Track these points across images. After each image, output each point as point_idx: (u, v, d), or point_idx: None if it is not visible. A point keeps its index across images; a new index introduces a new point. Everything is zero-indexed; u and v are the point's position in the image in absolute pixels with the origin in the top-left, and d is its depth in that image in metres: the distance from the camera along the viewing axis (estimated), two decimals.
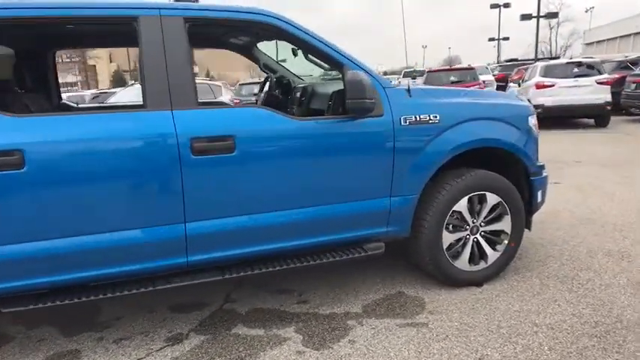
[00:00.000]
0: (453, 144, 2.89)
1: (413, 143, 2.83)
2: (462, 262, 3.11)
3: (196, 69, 31.51)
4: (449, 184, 2.98)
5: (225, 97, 10.08)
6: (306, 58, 3.18)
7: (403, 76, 13.98)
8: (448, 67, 15.03)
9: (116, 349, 2.66)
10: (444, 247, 3.03)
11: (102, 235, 2.37)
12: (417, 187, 2.89)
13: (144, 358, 2.56)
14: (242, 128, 2.50)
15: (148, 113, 2.39)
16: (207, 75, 57.13)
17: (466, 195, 3.01)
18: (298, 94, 3.74)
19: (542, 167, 3.29)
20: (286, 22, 2.66)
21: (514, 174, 3.24)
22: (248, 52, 4.04)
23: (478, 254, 3.17)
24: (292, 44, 2.94)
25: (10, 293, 2.31)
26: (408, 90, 2.87)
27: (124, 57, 52.77)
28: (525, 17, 31.53)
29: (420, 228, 2.98)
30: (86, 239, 2.32)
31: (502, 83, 18.71)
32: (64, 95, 3.99)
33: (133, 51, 52.05)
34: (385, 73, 28.26)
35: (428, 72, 13.27)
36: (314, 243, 2.76)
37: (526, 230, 3.28)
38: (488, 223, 3.15)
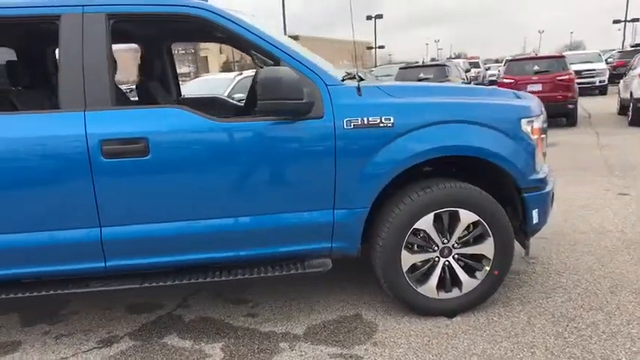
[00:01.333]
0: (408, 152, 2.47)
1: (359, 150, 2.46)
2: (429, 289, 2.67)
3: None
4: (409, 197, 2.56)
5: None
6: (250, 55, 2.90)
7: (504, 65, 12.72)
8: (532, 56, 13.36)
9: (52, 344, 2.70)
10: (404, 269, 2.62)
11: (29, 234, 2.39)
12: (366, 200, 2.52)
13: (69, 357, 2.56)
14: (156, 130, 2.35)
15: (60, 114, 2.34)
16: None
17: (432, 211, 2.56)
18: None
19: (541, 181, 2.70)
20: (214, 13, 2.44)
21: (507, 189, 2.71)
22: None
23: (450, 280, 2.70)
24: (225, 39, 2.69)
25: None
26: (358, 88, 2.50)
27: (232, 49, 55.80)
28: None
29: (375, 246, 2.61)
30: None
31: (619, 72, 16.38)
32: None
33: None
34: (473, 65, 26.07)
35: (509, 61, 11.85)
36: (243, 256, 2.54)
37: (544, 251, 2.72)
38: (464, 244, 2.67)
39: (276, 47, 2.46)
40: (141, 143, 2.33)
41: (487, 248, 2.65)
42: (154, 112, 2.44)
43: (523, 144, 2.61)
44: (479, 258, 2.69)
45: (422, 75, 11.11)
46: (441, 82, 10.67)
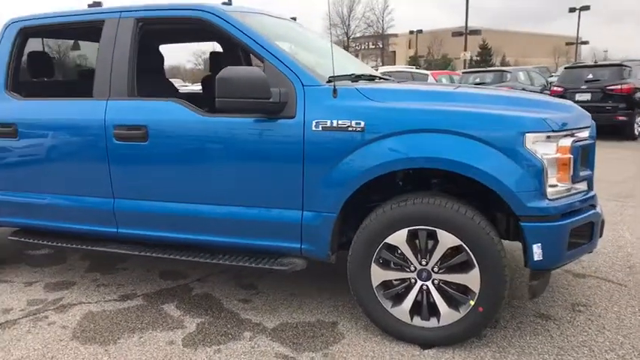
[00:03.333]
0: (375, 161, 2.29)
1: (326, 153, 2.38)
2: (401, 311, 2.45)
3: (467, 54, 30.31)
4: (382, 208, 2.38)
5: None
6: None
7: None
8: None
9: (92, 290, 3.28)
10: (374, 284, 2.45)
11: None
12: (334, 205, 2.42)
13: (94, 302, 3.09)
14: (154, 119, 2.66)
15: (91, 102, 2.82)
16: (503, 61, 54.31)
17: (405, 227, 2.33)
18: None
19: (552, 209, 2.20)
20: (219, 17, 2.62)
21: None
22: None
23: (427, 307, 2.43)
24: (225, 39, 2.81)
25: None
26: (334, 90, 2.40)
27: (422, 44, 55.26)
28: None
29: (348, 255, 2.50)
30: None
31: None
32: None
33: (425, 40, 53.61)
34: None
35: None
36: (218, 242, 2.70)
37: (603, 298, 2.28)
38: (446, 270, 2.36)
39: (262, 48, 2.53)
40: (142, 130, 2.67)
41: (471, 279, 2.30)
42: (154, 105, 2.75)
43: (522, 162, 2.17)
44: (465, 289, 2.35)
45: (590, 76, 9.54)
46: (612, 85, 9.16)
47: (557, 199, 2.24)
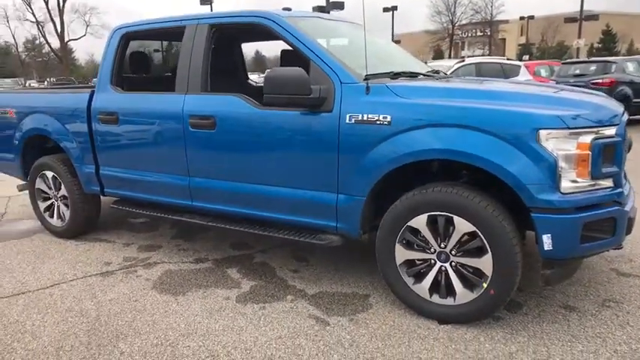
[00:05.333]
0: (398, 151, 2.55)
1: (357, 143, 2.69)
2: (421, 289, 2.71)
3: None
4: (407, 195, 2.64)
5: (522, 77, 9.30)
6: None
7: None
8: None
9: (174, 253, 3.92)
10: (397, 262, 2.73)
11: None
12: (363, 190, 2.73)
13: (173, 262, 3.72)
14: (220, 111, 3.15)
15: (173, 95, 3.39)
16: (630, 49, 49.17)
17: (425, 212, 2.58)
18: None
19: (564, 202, 2.30)
20: (274, 22, 3.03)
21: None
22: None
23: (445, 287, 2.65)
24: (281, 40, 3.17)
25: None
26: (367, 87, 2.69)
27: (535, 31, 51.53)
28: None
29: (375, 233, 2.81)
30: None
31: None
32: None
33: (539, 26, 49.27)
34: None
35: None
36: (267, 217, 3.14)
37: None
38: (463, 254, 2.57)
39: (307, 49, 2.89)
40: (211, 120, 3.18)
41: (485, 264, 2.49)
42: (220, 98, 3.23)
43: (534, 157, 2.30)
44: (479, 272, 2.54)
45: (577, 71, 9.35)
46: (596, 79, 8.66)
47: (572, 193, 2.34)
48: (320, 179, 2.88)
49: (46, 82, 43.17)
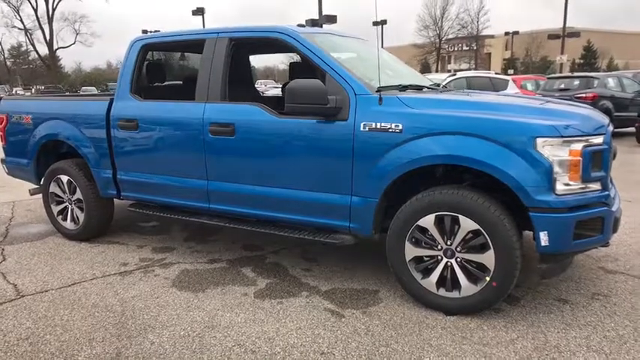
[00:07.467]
0: (407, 157, 2.81)
1: (370, 149, 2.94)
2: (429, 283, 2.95)
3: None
4: (416, 197, 2.90)
5: (510, 91, 9.69)
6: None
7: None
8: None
9: (187, 254, 4.11)
10: (407, 258, 2.97)
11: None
12: (376, 192, 2.97)
13: (189, 263, 3.91)
14: (239, 119, 3.38)
15: (193, 104, 3.61)
16: (610, 65, 50.55)
17: (432, 212, 2.83)
18: None
19: (559, 203, 2.57)
20: (292, 37, 3.28)
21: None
22: None
23: (450, 281, 2.90)
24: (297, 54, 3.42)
25: None
26: (380, 98, 2.95)
27: (520, 46, 52.68)
28: None
29: (386, 233, 3.05)
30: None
31: None
32: None
33: (524, 41, 50.67)
34: None
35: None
36: (283, 218, 3.36)
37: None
38: (467, 250, 2.82)
39: (323, 62, 3.14)
40: (230, 127, 3.40)
41: (487, 259, 2.75)
42: (240, 107, 3.46)
43: (532, 162, 2.57)
44: (482, 267, 2.80)
45: (562, 86, 10.10)
46: (580, 93, 9.25)
47: (566, 194, 2.61)
48: (335, 182, 3.12)
49: (33, 90, 42.84)
